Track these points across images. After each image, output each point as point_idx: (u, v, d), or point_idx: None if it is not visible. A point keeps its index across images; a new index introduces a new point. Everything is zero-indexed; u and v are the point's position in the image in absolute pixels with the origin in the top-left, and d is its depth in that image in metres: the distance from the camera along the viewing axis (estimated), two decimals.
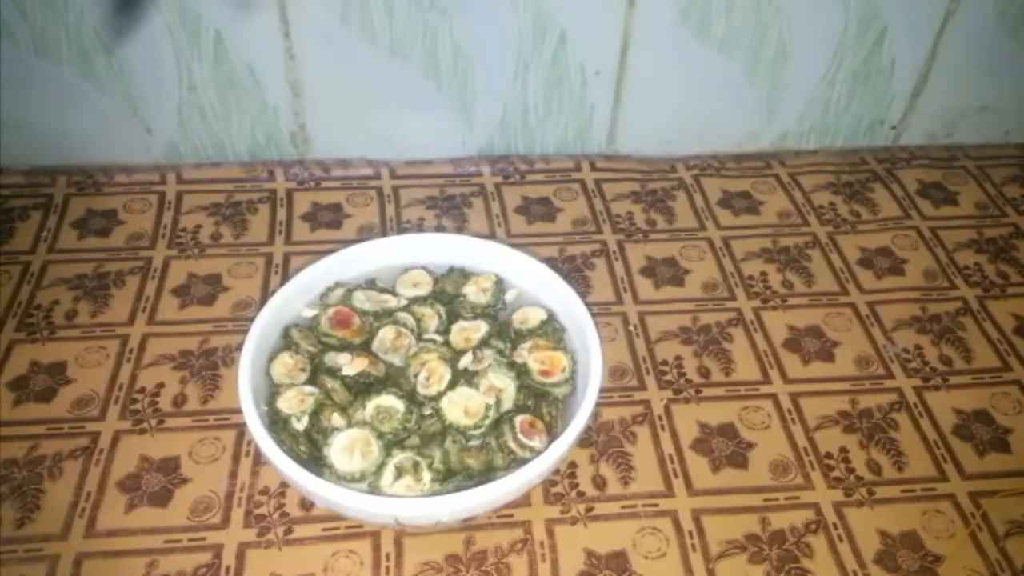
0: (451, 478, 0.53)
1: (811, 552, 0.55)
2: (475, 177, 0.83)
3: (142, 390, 0.62)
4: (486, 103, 0.80)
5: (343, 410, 0.55)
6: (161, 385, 0.63)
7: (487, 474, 0.53)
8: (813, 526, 0.57)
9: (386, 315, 0.61)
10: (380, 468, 0.52)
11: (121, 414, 0.61)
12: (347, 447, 0.52)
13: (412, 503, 0.49)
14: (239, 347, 0.56)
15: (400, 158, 0.83)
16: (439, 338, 0.60)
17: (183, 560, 0.53)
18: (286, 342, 0.59)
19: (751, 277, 0.74)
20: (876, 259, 0.77)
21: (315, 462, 0.52)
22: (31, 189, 0.78)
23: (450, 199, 0.80)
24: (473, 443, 0.54)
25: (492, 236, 0.76)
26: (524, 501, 0.56)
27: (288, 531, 0.55)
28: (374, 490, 0.51)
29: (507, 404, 0.56)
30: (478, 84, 0.79)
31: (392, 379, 0.58)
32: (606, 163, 0.85)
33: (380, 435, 0.53)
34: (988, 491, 0.59)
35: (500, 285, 0.63)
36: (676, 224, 0.79)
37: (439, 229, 0.77)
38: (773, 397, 0.65)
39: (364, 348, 0.59)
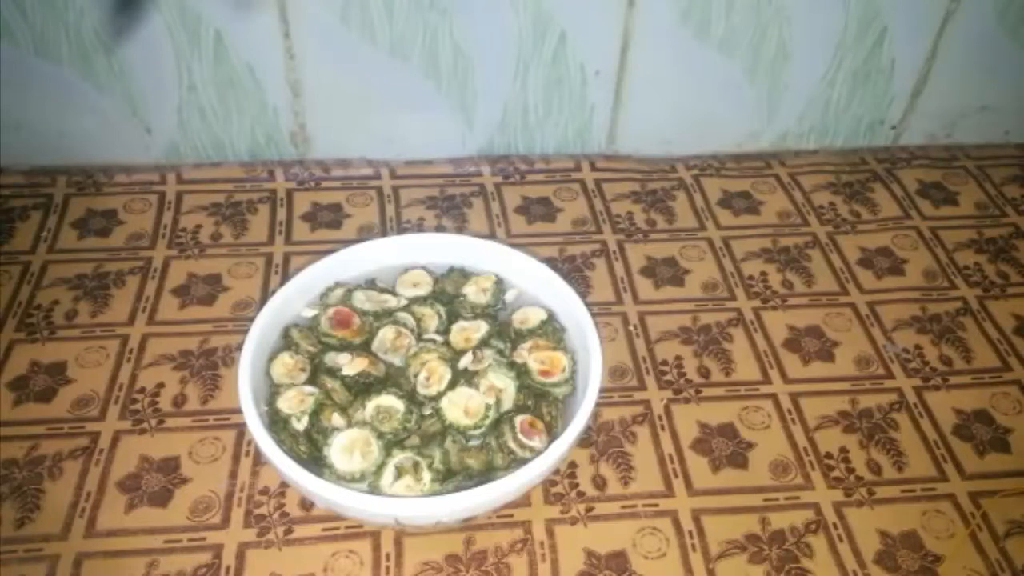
0: (451, 478, 0.53)
1: (811, 552, 0.55)
2: (475, 177, 0.83)
3: (142, 390, 0.62)
4: (486, 103, 0.80)
5: (343, 410, 0.55)
6: (161, 385, 0.63)
7: (487, 474, 0.53)
8: (813, 526, 0.57)
9: (386, 315, 0.61)
10: (380, 468, 0.52)
11: (121, 414, 0.61)
12: (347, 447, 0.52)
13: (412, 503, 0.49)
14: (239, 347, 0.56)
15: (400, 158, 0.83)
16: (439, 338, 0.60)
17: (183, 560, 0.53)
18: (286, 342, 0.59)
19: (751, 277, 0.74)
20: (876, 259, 0.77)
21: (315, 462, 0.52)
22: (31, 189, 0.78)
23: (450, 199, 0.80)
24: (473, 443, 0.54)
25: (492, 236, 0.76)
26: (524, 501, 0.56)
27: (288, 531, 0.55)
28: (374, 490, 0.51)
29: (507, 404, 0.56)
30: (478, 84, 0.79)
31: (392, 379, 0.58)
32: (606, 163, 0.85)
33: (380, 435, 0.53)
34: (988, 491, 0.59)
35: (500, 285, 0.63)
36: (676, 224, 0.79)
37: (439, 229, 0.77)
38: (773, 397, 0.65)
39: (364, 348, 0.59)
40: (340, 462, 0.52)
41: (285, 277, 0.71)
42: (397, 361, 0.59)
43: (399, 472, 0.52)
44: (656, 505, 0.57)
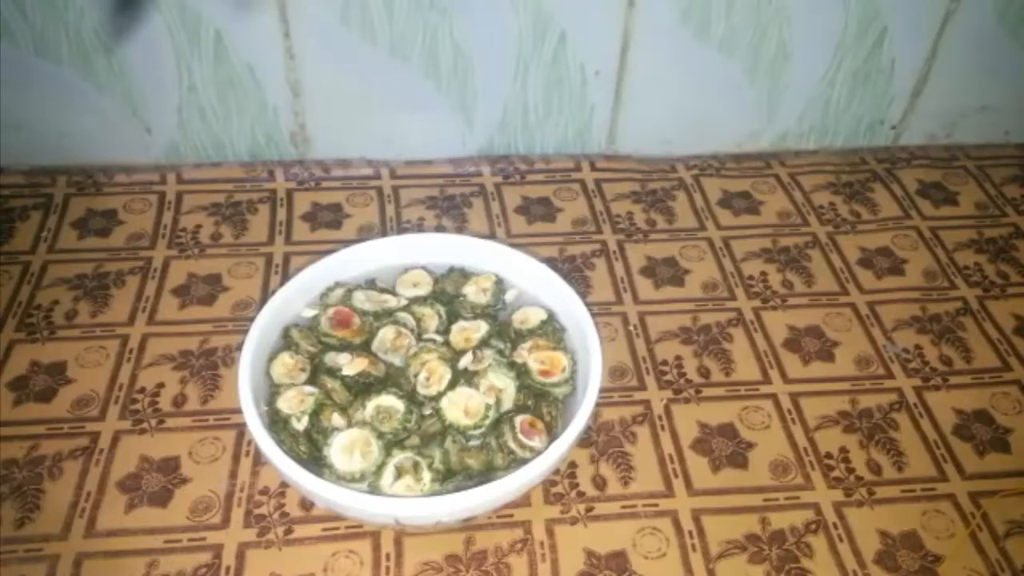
0: (451, 478, 0.53)
1: (811, 552, 0.55)
2: (475, 177, 0.83)
3: (142, 390, 0.62)
4: (486, 103, 0.80)
5: (343, 410, 0.55)
6: (161, 385, 0.63)
7: (487, 474, 0.53)
8: (813, 526, 0.57)
9: (386, 315, 0.61)
10: (380, 468, 0.52)
11: (121, 414, 0.61)
12: (347, 447, 0.52)
13: (412, 503, 0.49)
14: (239, 347, 0.56)
15: (400, 158, 0.83)
16: (439, 338, 0.60)
17: (183, 560, 0.53)
18: (286, 342, 0.59)
19: (751, 277, 0.74)
20: (876, 259, 0.77)
21: (315, 462, 0.52)
22: (31, 189, 0.78)
23: (450, 199, 0.80)
24: (473, 443, 0.54)
25: (492, 236, 0.76)
26: (524, 501, 0.56)
27: (288, 531, 0.55)
28: (374, 490, 0.51)
29: (507, 404, 0.56)
30: (478, 84, 0.79)
31: (392, 379, 0.58)
32: (606, 163, 0.85)
33: (380, 435, 0.53)
34: (988, 491, 0.59)
35: (500, 285, 0.63)
36: (676, 224, 0.79)
37: (439, 229, 0.77)
38: (773, 397, 0.65)
39: (364, 348, 0.59)
40: (340, 462, 0.52)
41: (285, 277, 0.71)
42: (397, 361, 0.59)
43: (399, 472, 0.52)
44: (656, 505, 0.57)
